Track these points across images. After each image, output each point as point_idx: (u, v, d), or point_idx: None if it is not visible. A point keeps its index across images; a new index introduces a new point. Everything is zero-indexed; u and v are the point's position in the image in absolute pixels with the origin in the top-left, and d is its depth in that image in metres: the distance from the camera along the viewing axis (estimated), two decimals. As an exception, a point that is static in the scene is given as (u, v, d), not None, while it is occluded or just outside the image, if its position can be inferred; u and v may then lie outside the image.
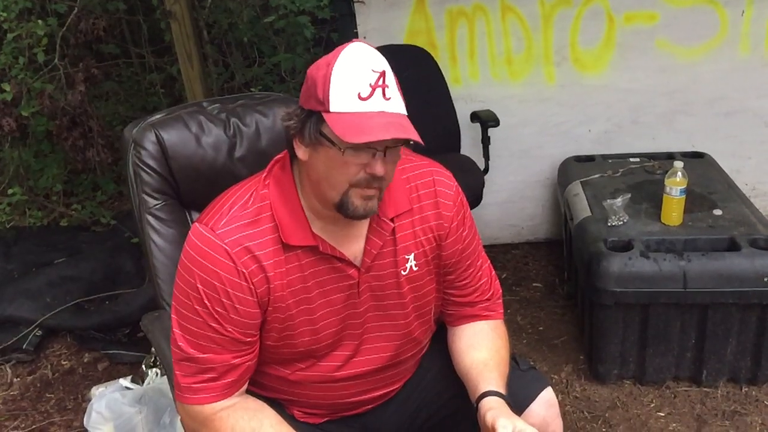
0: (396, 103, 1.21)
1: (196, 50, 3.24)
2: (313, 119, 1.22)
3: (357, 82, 1.18)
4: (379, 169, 1.21)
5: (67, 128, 3.74)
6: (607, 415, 2.41)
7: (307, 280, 1.33)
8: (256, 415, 1.31)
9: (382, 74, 1.19)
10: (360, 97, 1.18)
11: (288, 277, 1.31)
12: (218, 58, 4.57)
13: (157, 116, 1.82)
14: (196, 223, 1.32)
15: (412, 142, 1.23)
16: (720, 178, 2.90)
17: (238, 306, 1.28)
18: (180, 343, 1.31)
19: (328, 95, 1.18)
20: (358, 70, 1.19)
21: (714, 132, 3.28)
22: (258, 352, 1.36)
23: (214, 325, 1.28)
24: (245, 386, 1.36)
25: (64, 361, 2.93)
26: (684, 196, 2.49)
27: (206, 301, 1.27)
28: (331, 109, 1.18)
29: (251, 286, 1.28)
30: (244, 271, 1.27)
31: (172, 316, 1.33)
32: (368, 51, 1.22)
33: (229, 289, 1.27)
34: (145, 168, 1.75)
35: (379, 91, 1.19)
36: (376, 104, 1.18)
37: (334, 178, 1.23)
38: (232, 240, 1.27)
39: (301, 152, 1.27)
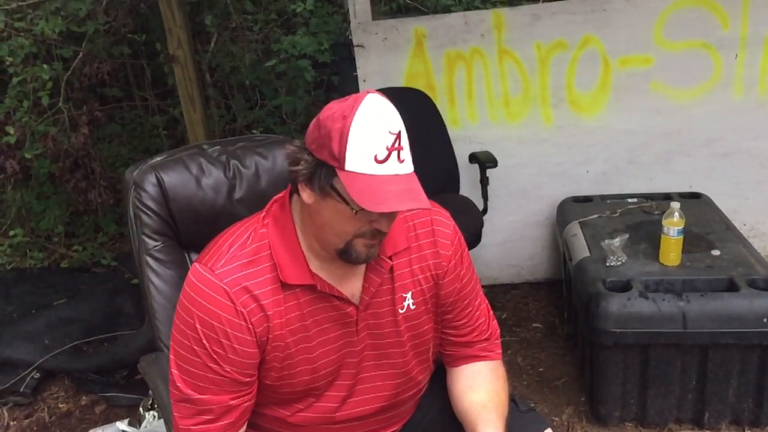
0: (408, 165, 1.22)
1: (199, 94, 3.30)
2: (324, 170, 1.22)
3: (374, 144, 1.18)
4: (385, 227, 1.25)
5: (69, 170, 3.78)
6: (609, 458, 2.39)
7: (305, 318, 1.33)
8: None
9: (398, 136, 1.20)
10: (376, 160, 1.18)
11: (287, 316, 1.31)
12: (221, 100, 4.64)
13: (158, 158, 1.84)
14: (195, 263, 1.33)
15: None
16: (717, 218, 2.92)
17: (236, 346, 1.28)
18: (178, 384, 1.31)
19: (345, 153, 1.18)
20: (375, 131, 1.18)
21: (711, 172, 3.31)
22: (256, 393, 1.36)
23: (212, 365, 1.28)
24: (244, 428, 1.36)
25: (62, 403, 2.91)
26: (682, 237, 2.49)
27: (205, 342, 1.27)
28: (347, 168, 1.18)
29: (250, 326, 1.28)
30: (243, 310, 1.27)
31: (171, 356, 1.33)
32: (385, 108, 1.21)
33: (228, 329, 1.27)
34: (145, 210, 1.77)
35: (395, 154, 1.19)
36: (391, 168, 1.19)
37: (340, 228, 1.25)
38: (230, 280, 1.28)
39: (306, 196, 1.27)
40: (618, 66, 3.20)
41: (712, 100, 3.20)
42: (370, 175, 1.18)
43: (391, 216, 1.25)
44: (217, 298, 1.27)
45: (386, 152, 1.18)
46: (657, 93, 3.22)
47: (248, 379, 1.32)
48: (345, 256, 1.27)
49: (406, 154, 1.22)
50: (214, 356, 1.28)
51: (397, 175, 1.20)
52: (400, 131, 1.20)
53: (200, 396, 1.29)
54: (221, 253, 1.31)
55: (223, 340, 1.27)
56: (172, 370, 1.32)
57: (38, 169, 3.97)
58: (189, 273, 1.32)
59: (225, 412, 1.30)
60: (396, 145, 1.19)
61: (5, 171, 3.75)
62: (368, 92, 1.22)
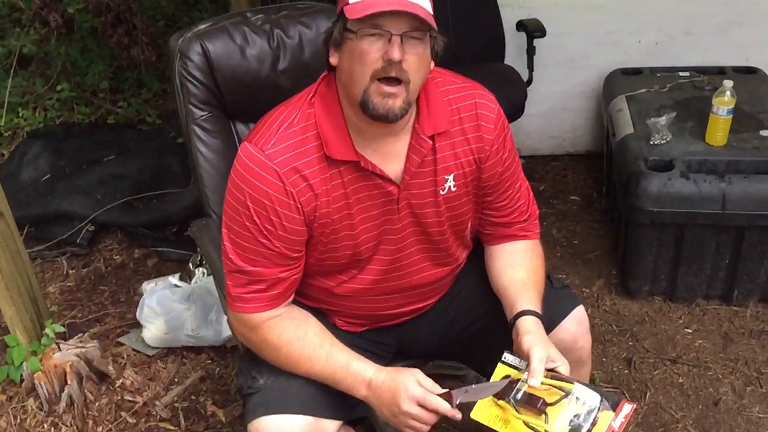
0: None
1: (240, -52, 3.19)
2: (339, 21, 1.27)
3: None
4: (394, 53, 1.22)
5: (111, 25, 3.75)
6: (635, 329, 2.48)
7: (348, 196, 1.38)
8: (300, 325, 1.40)
9: None
10: None
11: (332, 194, 1.36)
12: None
13: (203, 26, 1.83)
14: (245, 143, 1.36)
15: (434, 35, 1.28)
16: (772, 96, 2.82)
17: (285, 223, 1.34)
18: (231, 256, 1.38)
19: None
20: None
21: (771, 46, 3.16)
22: (303, 267, 1.43)
23: (263, 240, 1.35)
24: (291, 298, 1.45)
25: (116, 255, 3.08)
26: (731, 117, 2.44)
27: (256, 218, 1.33)
28: (350, 1, 1.23)
29: (298, 205, 1.34)
30: (293, 190, 1.32)
31: (223, 230, 1.40)
32: None
33: (277, 208, 1.32)
34: (191, 79, 1.78)
35: None
36: None
37: (357, 71, 1.26)
38: (280, 160, 1.32)
39: (333, 59, 1.32)
40: (683, -74, 2.99)
41: (782, -33, 3.00)
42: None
43: (403, 47, 1.23)
44: (267, 178, 1.31)
45: None
46: (722, -43, 3.03)
47: (296, 255, 1.39)
48: (364, 107, 1.28)
49: None
50: (265, 232, 1.34)
51: None
52: None
53: (252, 268, 1.37)
54: (271, 133, 1.34)
55: (273, 217, 1.33)
56: (225, 243, 1.39)
57: (81, 23, 3.95)
58: (239, 151, 1.36)
59: (275, 282, 1.39)
60: None
61: (49, 24, 3.74)
62: None
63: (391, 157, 1.39)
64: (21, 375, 2.30)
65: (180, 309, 2.41)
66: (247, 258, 1.37)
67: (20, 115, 4.09)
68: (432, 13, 1.26)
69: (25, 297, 2.27)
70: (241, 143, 1.39)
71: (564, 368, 1.33)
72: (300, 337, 1.38)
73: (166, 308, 2.42)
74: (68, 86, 4.13)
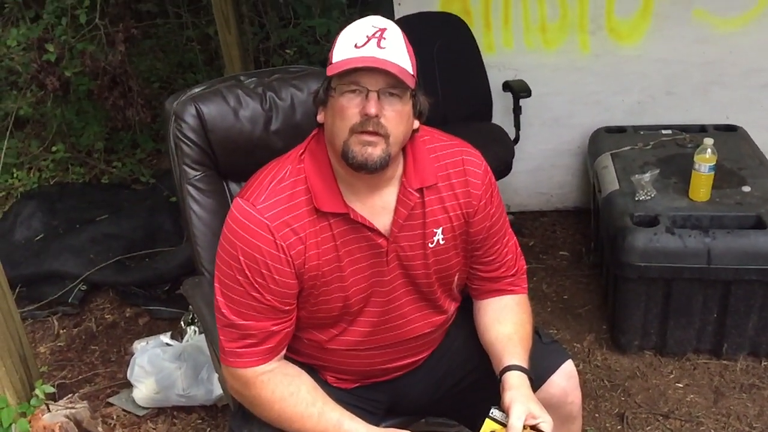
0: (392, 53, 1.29)
1: (234, 15, 3.30)
2: (325, 81, 1.35)
3: (355, 35, 1.31)
4: (370, 108, 1.28)
5: (107, 88, 3.84)
6: (626, 384, 2.48)
7: (338, 248, 1.41)
8: (293, 381, 1.41)
9: (382, 30, 1.31)
10: (356, 47, 1.29)
11: (322, 246, 1.39)
12: (254, 17, 4.61)
13: (197, 89, 1.89)
14: (237, 198, 1.40)
15: (414, 93, 1.34)
16: (752, 152, 2.90)
17: (276, 277, 1.36)
18: (223, 310, 1.40)
19: (332, 52, 1.31)
20: (359, 26, 1.32)
21: (749, 104, 3.25)
22: (295, 320, 1.45)
23: (254, 294, 1.37)
24: (284, 352, 1.45)
25: (108, 314, 3.08)
26: (713, 173, 2.50)
27: (247, 272, 1.36)
28: (333, 61, 1.30)
29: (289, 258, 1.36)
30: (283, 244, 1.35)
31: (215, 284, 1.42)
32: (379, 16, 1.34)
33: (268, 261, 1.35)
34: (185, 140, 1.83)
35: (374, 41, 1.29)
36: (369, 51, 1.29)
37: (337, 126, 1.32)
38: (271, 214, 1.35)
39: (320, 116, 1.39)
40: (660, -8, 3.11)
41: (756, 29, 3.11)
42: (348, 58, 1.29)
43: (380, 103, 1.29)
44: (258, 232, 1.35)
45: (365, 39, 1.29)
46: (699, 21, 3.14)
47: (287, 308, 1.41)
48: (345, 157, 1.32)
49: (391, 45, 1.30)
50: (256, 285, 1.36)
51: (374, 57, 1.28)
52: (385, 28, 1.31)
53: (243, 321, 1.38)
54: (261, 189, 1.38)
55: (264, 270, 1.35)
56: (217, 297, 1.41)
57: (77, 86, 4.04)
58: (232, 207, 1.40)
59: (267, 337, 1.40)
60: (377, 35, 1.30)
61: (46, 87, 3.82)
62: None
63: (379, 209, 1.43)
64: (9, 437, 2.28)
65: (171, 368, 2.40)
66: (239, 312, 1.38)
67: (15, 175, 4.15)
68: (413, 72, 1.33)
69: (15, 358, 2.26)
70: (234, 199, 1.43)
71: (546, 425, 1.34)
72: (293, 393, 1.39)
73: (157, 367, 2.41)
74: (63, 147, 4.19)
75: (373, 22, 1.32)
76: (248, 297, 1.37)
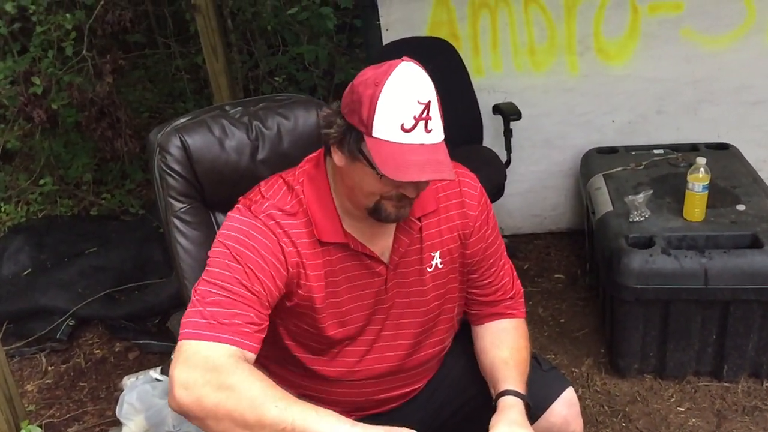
0: (436, 135, 1.26)
1: (221, 43, 3.29)
2: (353, 134, 1.27)
3: (401, 113, 1.22)
4: (411, 193, 1.29)
5: (95, 119, 3.81)
6: (627, 409, 2.44)
7: (336, 275, 1.39)
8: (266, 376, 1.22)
9: (427, 106, 1.23)
10: (403, 129, 1.23)
11: (318, 271, 1.37)
12: (242, 46, 4.61)
13: (182, 120, 1.86)
14: (239, 205, 1.40)
15: None
16: (744, 170, 2.88)
17: (266, 267, 1.29)
18: (199, 297, 1.29)
19: (373, 120, 1.23)
20: (404, 100, 1.23)
21: (740, 122, 3.24)
22: (265, 334, 1.31)
23: (244, 282, 1.27)
24: (255, 355, 1.27)
25: (97, 350, 3.02)
26: (707, 192, 2.47)
27: (238, 257, 1.29)
28: (374, 135, 1.24)
29: (283, 258, 1.33)
30: (282, 245, 1.33)
31: (197, 286, 1.32)
32: (417, 77, 1.25)
33: (263, 251, 1.31)
34: (170, 172, 1.79)
35: (422, 123, 1.23)
36: (418, 137, 1.23)
37: (368, 190, 1.30)
38: (274, 223, 1.34)
39: (338, 158, 1.33)
40: (647, 12, 3.12)
41: (744, 46, 3.12)
42: (396, 143, 1.23)
43: (419, 184, 1.29)
44: (260, 228, 1.33)
45: (413, 121, 1.23)
46: (687, 40, 3.15)
47: (264, 310, 1.29)
48: (375, 215, 1.32)
49: (435, 123, 1.25)
50: (246, 272, 1.27)
51: (423, 144, 1.24)
52: (429, 101, 1.24)
53: (223, 309, 1.26)
54: (263, 200, 1.38)
55: (257, 258, 1.29)
56: (198, 288, 1.31)
57: (65, 118, 4.01)
58: (232, 211, 1.39)
59: (247, 322, 1.26)
60: (424, 114, 1.23)
61: (33, 120, 3.79)
62: (403, 60, 1.27)
63: (379, 236, 1.42)
64: (-6, 481, 2.21)
65: (161, 404, 2.34)
66: (220, 297, 1.27)
67: (2, 209, 4.10)
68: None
69: (1, 398, 2.21)
70: (237, 204, 1.42)
71: None
72: (267, 379, 1.20)
73: (147, 404, 2.36)
74: (51, 180, 4.15)
75: (418, 93, 1.23)
76: (236, 283, 1.27)
